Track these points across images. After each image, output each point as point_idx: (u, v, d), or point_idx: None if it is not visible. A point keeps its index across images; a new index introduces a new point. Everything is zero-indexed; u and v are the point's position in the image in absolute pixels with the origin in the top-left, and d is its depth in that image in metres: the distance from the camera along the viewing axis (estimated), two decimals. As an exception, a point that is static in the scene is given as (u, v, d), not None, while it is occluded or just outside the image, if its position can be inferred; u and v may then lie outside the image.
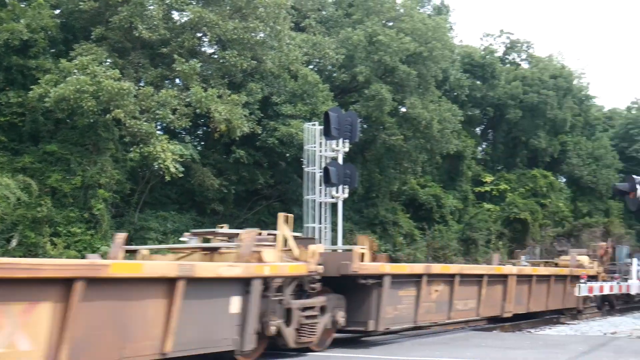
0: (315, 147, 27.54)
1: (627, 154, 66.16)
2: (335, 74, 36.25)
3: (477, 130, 57.14)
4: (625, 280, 30.82)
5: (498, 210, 49.75)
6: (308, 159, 27.75)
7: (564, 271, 23.90)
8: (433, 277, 16.02)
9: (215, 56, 30.33)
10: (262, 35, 29.50)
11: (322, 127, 26.73)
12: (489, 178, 52.72)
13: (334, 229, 27.80)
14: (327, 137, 26.35)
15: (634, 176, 18.87)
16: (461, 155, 47.58)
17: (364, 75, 34.37)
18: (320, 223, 27.12)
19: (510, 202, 50.17)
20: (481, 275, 18.20)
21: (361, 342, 15.19)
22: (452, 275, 16.86)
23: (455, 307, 16.84)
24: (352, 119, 26.90)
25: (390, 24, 37.89)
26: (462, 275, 17.16)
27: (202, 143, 34.07)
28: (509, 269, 20.25)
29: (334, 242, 27.50)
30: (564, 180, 61.53)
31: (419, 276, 15.54)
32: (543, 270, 23.14)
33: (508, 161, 56.42)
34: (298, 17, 35.34)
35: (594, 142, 62.69)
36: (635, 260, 19.03)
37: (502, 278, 19.34)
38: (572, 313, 24.66)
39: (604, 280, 26.14)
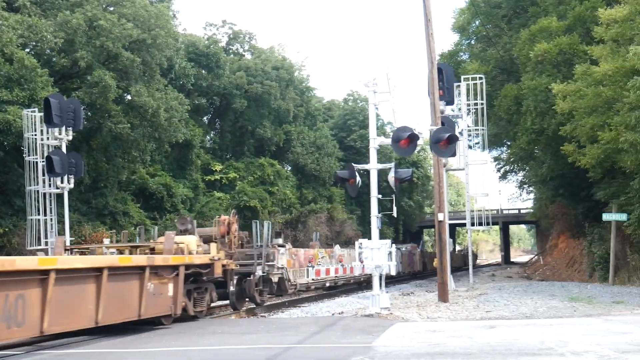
0: (36, 135, 26.14)
1: (346, 143, 70.84)
2: (54, 59, 34.31)
3: (205, 119, 57.57)
4: (272, 267, 24.32)
5: (228, 199, 50.51)
6: (29, 147, 26.21)
7: (132, 261, 15.37)
8: None
9: None
10: (-32, 14, 27.07)
11: (42, 114, 25.42)
12: (218, 167, 53.39)
13: (61, 221, 26.57)
14: (48, 124, 25.23)
15: (354, 164, 20.02)
16: (190, 144, 47.68)
17: (85, 61, 32.98)
18: (45, 215, 25.75)
19: (240, 190, 51.20)
20: None
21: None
22: None
23: None
24: (75, 106, 26.03)
25: (111, 8, 36.79)
26: None
27: None
28: None
29: (60, 234, 26.22)
30: (290, 168, 64.09)
31: None
32: (77, 261, 14.25)
33: (236, 150, 57.49)
34: (10, -4, 32.93)
35: (316, 131, 66.15)
36: (357, 243, 19.95)
37: None
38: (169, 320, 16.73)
39: (227, 269, 19.55)
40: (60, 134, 25.52)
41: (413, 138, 18.41)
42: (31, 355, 12.19)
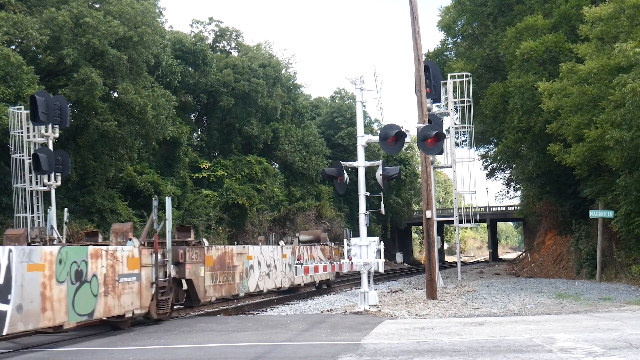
0: (22, 132, 26.00)
1: (334, 141, 70.96)
2: (40, 56, 34.09)
3: (192, 116, 57.45)
4: None
5: (216, 196, 50.44)
6: (15, 145, 26.06)
7: None
8: None
9: None
10: (-46, 11, 26.83)
11: (28, 111, 25.26)
12: (206, 164, 53.27)
13: (48, 219, 26.42)
14: (34, 122, 24.99)
15: (341, 161, 20.02)
16: (177, 142, 47.55)
17: (71, 58, 32.78)
18: (32, 213, 25.62)
19: (228, 188, 51.13)
20: None
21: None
22: None
23: None
24: (61, 104, 25.78)
25: (97, 5, 36.59)
26: None
27: None
28: None
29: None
30: (278, 166, 64.10)
31: None
32: None
33: (224, 147, 57.39)
34: (-4, -6, 32.72)
35: (303, 129, 66.17)
36: (345, 241, 19.95)
37: None
38: None
39: None
40: (46, 131, 25.28)
41: (400, 136, 18.43)
42: (21, 354, 12.14)
